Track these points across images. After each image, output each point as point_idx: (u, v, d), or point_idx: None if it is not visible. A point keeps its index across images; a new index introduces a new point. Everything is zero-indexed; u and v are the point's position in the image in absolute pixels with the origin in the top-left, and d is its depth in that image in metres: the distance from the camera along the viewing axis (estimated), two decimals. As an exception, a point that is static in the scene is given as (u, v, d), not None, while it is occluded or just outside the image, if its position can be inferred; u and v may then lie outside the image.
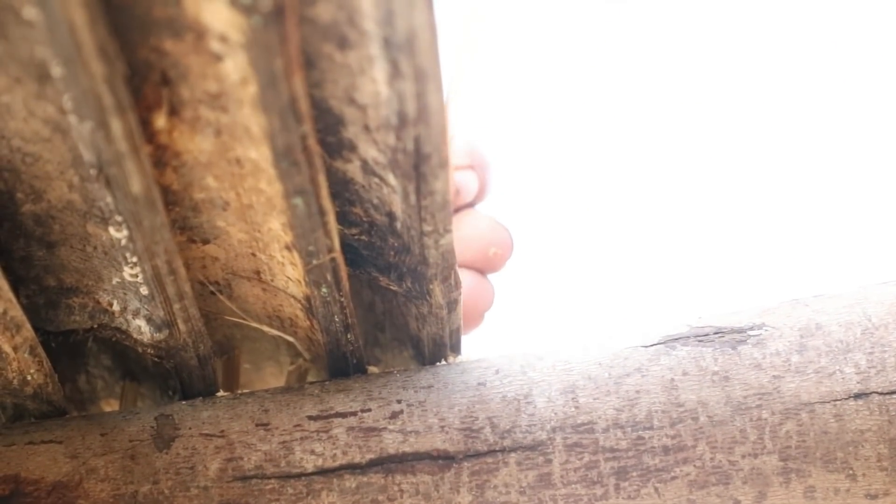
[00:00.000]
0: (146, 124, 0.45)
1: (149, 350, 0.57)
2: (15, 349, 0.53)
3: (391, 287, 0.57)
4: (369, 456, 0.56)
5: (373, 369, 0.60)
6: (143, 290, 0.52)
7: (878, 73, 1.33)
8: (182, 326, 0.54)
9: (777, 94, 1.35)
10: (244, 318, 0.60)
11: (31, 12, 0.39)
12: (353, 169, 0.50)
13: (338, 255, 0.51)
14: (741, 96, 1.36)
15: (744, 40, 1.36)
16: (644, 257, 1.36)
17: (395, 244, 0.53)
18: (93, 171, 0.45)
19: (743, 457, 0.56)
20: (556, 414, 0.56)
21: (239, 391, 0.62)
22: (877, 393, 0.56)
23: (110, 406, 0.68)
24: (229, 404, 0.58)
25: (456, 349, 0.61)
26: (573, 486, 0.56)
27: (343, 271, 0.53)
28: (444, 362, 0.61)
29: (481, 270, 0.68)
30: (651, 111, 1.38)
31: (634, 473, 0.56)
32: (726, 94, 1.37)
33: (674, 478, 0.56)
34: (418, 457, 0.56)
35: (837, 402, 0.56)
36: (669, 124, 1.38)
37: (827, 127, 1.34)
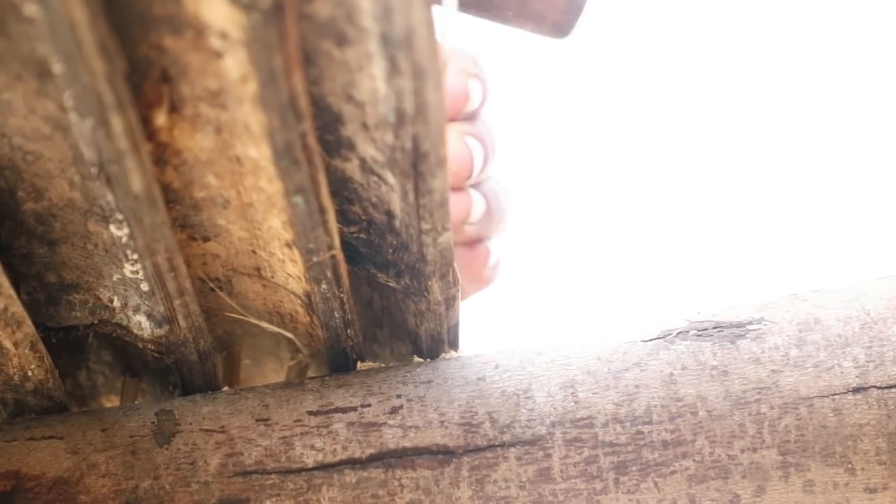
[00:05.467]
0: (146, 122, 0.46)
1: (149, 346, 0.57)
2: (16, 345, 0.53)
3: (390, 284, 0.57)
4: (369, 451, 0.56)
5: (366, 364, 0.60)
6: (144, 287, 0.52)
7: (878, 72, 1.33)
8: (182, 322, 0.55)
9: (776, 91, 1.35)
10: (244, 315, 0.60)
11: (31, 9, 0.39)
12: (352, 167, 0.50)
13: (338, 252, 0.52)
14: (741, 93, 1.37)
15: (746, 36, 1.36)
16: (643, 252, 1.36)
17: (394, 242, 0.53)
18: (93, 169, 0.45)
19: (742, 451, 0.56)
20: (555, 409, 0.57)
21: (239, 387, 0.63)
22: (875, 387, 0.56)
23: (111, 402, 0.68)
24: (229, 400, 0.58)
25: (454, 345, 0.61)
26: (573, 480, 0.56)
27: (343, 268, 0.53)
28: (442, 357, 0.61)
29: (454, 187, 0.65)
30: (651, 105, 1.38)
31: (634, 468, 0.56)
32: (726, 90, 1.37)
33: (673, 472, 0.56)
34: (418, 452, 0.56)
35: (836, 397, 0.56)
36: (670, 118, 1.38)
37: (826, 124, 1.35)
